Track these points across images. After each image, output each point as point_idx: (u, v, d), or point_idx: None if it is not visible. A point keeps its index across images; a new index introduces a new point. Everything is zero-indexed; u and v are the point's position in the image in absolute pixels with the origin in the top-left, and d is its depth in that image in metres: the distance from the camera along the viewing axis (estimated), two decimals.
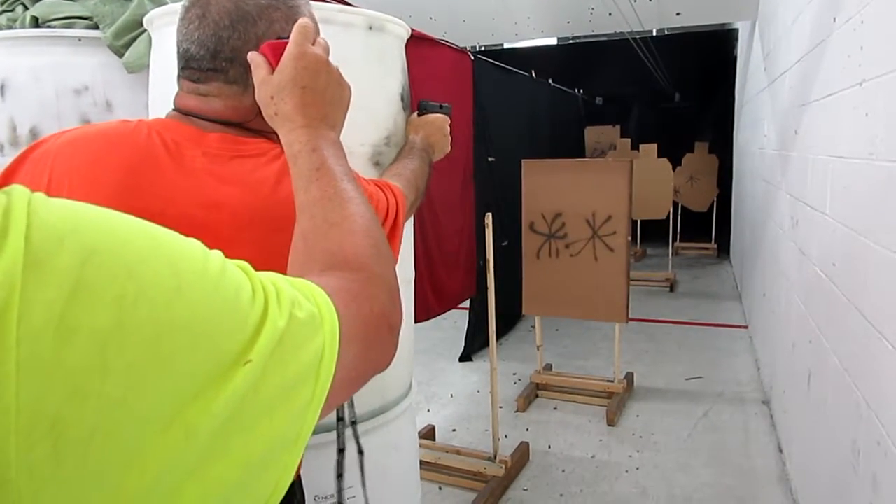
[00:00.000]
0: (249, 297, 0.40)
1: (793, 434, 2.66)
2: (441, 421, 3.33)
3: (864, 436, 1.60)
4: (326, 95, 0.74)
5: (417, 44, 2.19)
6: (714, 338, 4.63)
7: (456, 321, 4.56)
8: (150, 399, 0.33)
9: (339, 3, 1.29)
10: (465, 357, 4.27)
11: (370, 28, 1.27)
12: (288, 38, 0.81)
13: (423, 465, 2.43)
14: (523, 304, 3.50)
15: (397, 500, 1.54)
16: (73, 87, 1.81)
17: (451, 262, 3.50)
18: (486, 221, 2.55)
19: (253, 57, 0.77)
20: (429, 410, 3.49)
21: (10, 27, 1.90)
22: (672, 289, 6.12)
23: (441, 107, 1.35)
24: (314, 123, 0.72)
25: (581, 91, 7.83)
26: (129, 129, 0.84)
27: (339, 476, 1.17)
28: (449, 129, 1.34)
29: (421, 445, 2.18)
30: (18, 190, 0.32)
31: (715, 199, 7.48)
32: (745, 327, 4.78)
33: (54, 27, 1.85)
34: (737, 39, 7.13)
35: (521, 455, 2.85)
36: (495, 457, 2.68)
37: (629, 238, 3.28)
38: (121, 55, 1.83)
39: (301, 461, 0.71)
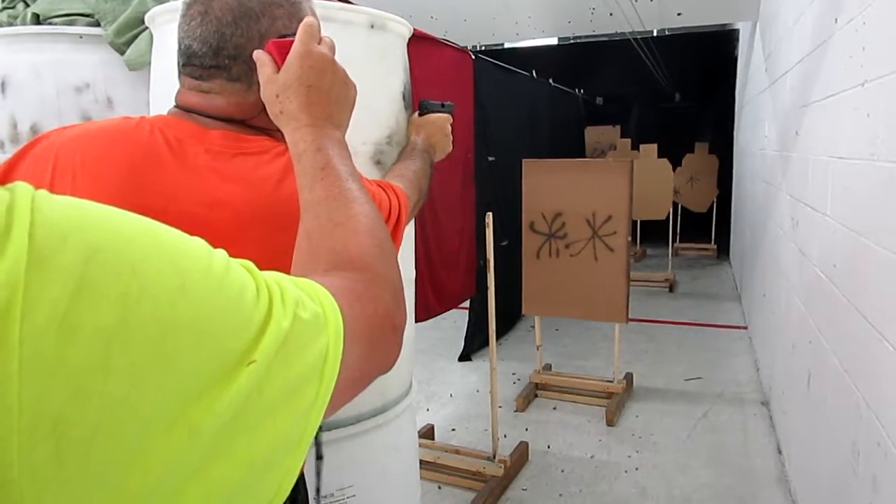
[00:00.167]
0: (254, 297, 0.40)
1: (792, 435, 2.66)
2: (440, 420, 3.32)
3: (865, 437, 1.60)
4: (332, 94, 0.74)
5: (418, 43, 2.18)
6: (713, 338, 4.63)
7: (455, 321, 4.56)
8: (153, 398, 0.33)
9: (342, 1, 1.29)
10: (465, 357, 4.27)
11: (372, 26, 1.27)
12: (292, 35, 0.80)
13: (423, 464, 2.43)
14: (523, 304, 3.50)
15: (397, 499, 1.54)
16: (74, 85, 1.81)
17: (451, 261, 3.50)
18: (486, 221, 2.55)
19: (258, 55, 0.77)
20: (428, 410, 3.49)
21: (11, 24, 1.89)
22: (672, 289, 6.12)
23: (443, 105, 1.34)
24: (319, 122, 0.72)
25: (581, 91, 7.83)
26: (131, 125, 0.84)
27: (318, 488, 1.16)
28: (450, 128, 1.33)
29: (420, 445, 2.17)
30: (22, 187, 0.32)
31: (715, 199, 7.48)
32: (745, 328, 4.78)
33: (55, 24, 1.85)
34: (737, 40, 7.13)
35: (521, 455, 2.85)
36: (494, 456, 2.68)
37: (629, 238, 3.28)
38: (122, 52, 1.83)
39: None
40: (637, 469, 2.81)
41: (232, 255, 0.42)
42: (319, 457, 1.17)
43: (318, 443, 1.17)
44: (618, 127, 7.86)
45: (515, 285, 3.52)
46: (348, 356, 0.46)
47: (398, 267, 0.64)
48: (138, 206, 0.38)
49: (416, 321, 2.27)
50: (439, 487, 2.69)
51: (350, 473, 1.39)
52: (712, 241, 7.75)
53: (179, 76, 0.86)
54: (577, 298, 3.36)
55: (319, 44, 0.75)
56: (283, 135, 0.86)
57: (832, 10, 2.15)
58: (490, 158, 4.06)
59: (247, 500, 0.38)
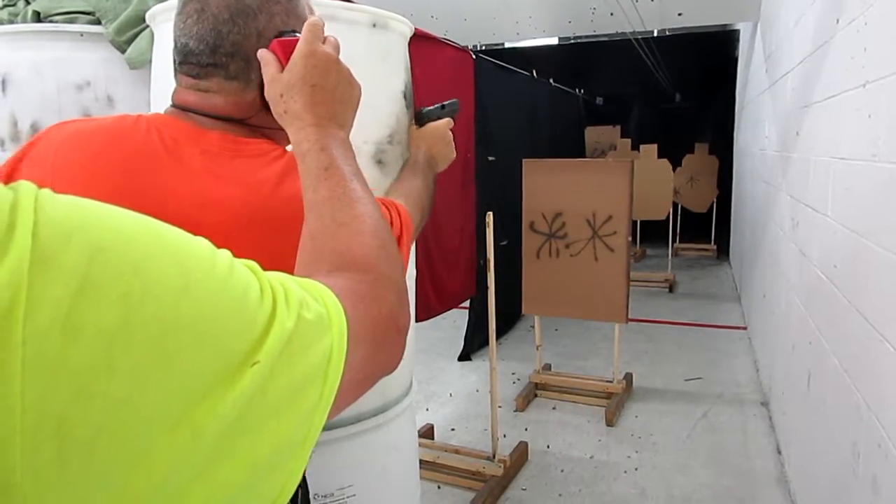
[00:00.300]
0: (258, 297, 0.39)
1: (792, 435, 2.66)
2: (440, 420, 3.32)
3: (865, 438, 1.60)
4: (336, 94, 0.74)
5: (419, 42, 2.18)
6: (713, 339, 4.63)
7: (455, 320, 4.56)
8: (156, 399, 0.32)
9: None
10: (465, 356, 4.27)
11: (374, 25, 1.26)
12: (291, 32, 0.80)
13: (422, 464, 2.43)
14: (523, 304, 3.50)
15: (397, 499, 1.53)
16: (74, 83, 1.80)
17: (451, 261, 3.50)
18: (486, 221, 2.55)
19: (263, 54, 0.76)
20: (427, 409, 3.49)
21: (11, 21, 1.89)
22: (671, 289, 6.12)
23: (443, 107, 1.27)
24: (323, 122, 0.71)
25: (582, 91, 7.83)
26: (128, 124, 0.83)
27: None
28: (451, 134, 1.27)
29: (420, 445, 2.17)
30: (25, 186, 0.32)
31: (715, 200, 7.48)
32: (745, 328, 4.78)
33: (56, 22, 1.85)
34: (738, 40, 7.12)
35: (520, 455, 2.85)
36: (494, 456, 2.68)
37: (629, 238, 3.28)
38: (123, 51, 1.83)
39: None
40: (636, 469, 2.81)
41: None
42: None
43: None
44: (618, 127, 7.87)
45: (515, 285, 3.52)
46: (352, 357, 0.46)
47: (402, 268, 0.64)
48: (135, 206, 0.37)
49: (417, 321, 2.27)
50: (439, 487, 2.69)
51: (350, 473, 1.39)
52: (712, 242, 7.75)
53: (176, 75, 0.85)
54: (576, 298, 3.36)
55: (324, 43, 0.75)
56: (281, 135, 0.85)
57: (834, 10, 2.15)
58: (490, 158, 4.06)
59: (250, 502, 0.38)
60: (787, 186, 3.09)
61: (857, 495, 1.65)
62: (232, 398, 0.35)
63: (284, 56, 0.74)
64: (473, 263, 3.79)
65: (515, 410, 3.42)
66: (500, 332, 4.37)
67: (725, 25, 6.57)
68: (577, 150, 7.39)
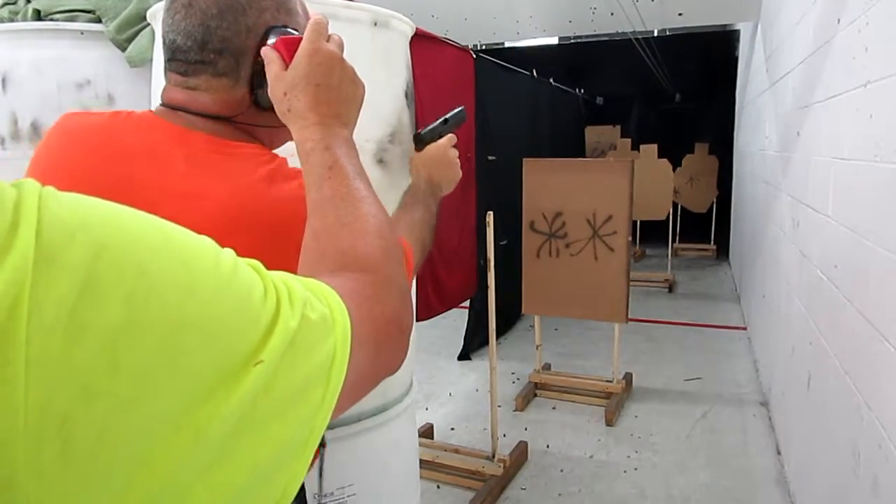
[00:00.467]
0: (261, 297, 0.39)
1: (791, 436, 2.66)
2: (439, 420, 3.32)
3: (866, 438, 1.60)
4: (340, 93, 0.73)
5: (420, 42, 2.18)
6: (713, 339, 4.63)
7: (454, 320, 4.56)
8: (160, 399, 0.32)
9: None
10: (464, 356, 4.26)
11: (375, 24, 1.26)
12: (283, 28, 0.79)
13: (422, 463, 2.42)
14: (523, 304, 3.50)
15: (397, 498, 1.53)
16: (75, 81, 1.80)
17: (452, 260, 3.50)
18: (487, 220, 2.55)
19: (266, 52, 0.75)
20: (427, 409, 3.49)
21: (12, 20, 1.89)
22: (671, 289, 6.12)
23: (446, 121, 1.16)
24: (327, 121, 0.70)
25: (582, 91, 7.83)
26: (119, 121, 0.83)
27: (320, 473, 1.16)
28: (455, 151, 1.17)
29: (419, 444, 2.17)
30: (29, 184, 0.32)
31: (714, 200, 7.48)
32: (744, 329, 4.78)
33: (57, 20, 1.85)
34: (738, 41, 7.12)
35: (520, 454, 2.85)
36: (494, 456, 2.68)
37: (629, 238, 3.28)
38: (123, 49, 1.82)
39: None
40: (636, 469, 2.80)
41: None
42: (322, 444, 1.17)
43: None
44: (618, 127, 7.87)
45: (515, 285, 3.52)
46: (355, 358, 0.46)
47: (405, 268, 0.63)
48: (126, 203, 0.37)
49: (418, 320, 2.26)
50: (438, 487, 2.69)
51: (350, 472, 1.39)
52: (712, 242, 7.75)
53: (165, 72, 0.84)
54: (576, 298, 3.36)
55: (328, 41, 0.74)
56: (269, 133, 0.85)
57: (835, 10, 2.15)
58: (490, 158, 4.06)
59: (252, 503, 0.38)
60: (788, 186, 3.09)
61: (857, 496, 1.65)
62: (235, 398, 0.35)
63: (288, 54, 0.73)
64: (474, 263, 3.79)
65: (515, 410, 3.42)
66: (500, 332, 4.37)
67: (726, 25, 6.57)
68: (577, 149, 7.39)
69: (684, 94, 11.20)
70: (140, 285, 0.32)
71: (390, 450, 1.50)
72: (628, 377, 3.69)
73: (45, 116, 1.78)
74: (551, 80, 6.09)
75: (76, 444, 0.29)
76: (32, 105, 1.78)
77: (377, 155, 1.28)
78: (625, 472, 2.79)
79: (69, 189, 0.34)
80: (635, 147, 7.24)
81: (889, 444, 1.43)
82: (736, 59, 7.31)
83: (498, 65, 4.28)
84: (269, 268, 0.56)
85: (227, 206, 0.75)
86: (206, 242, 0.39)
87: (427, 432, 3.08)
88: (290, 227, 0.73)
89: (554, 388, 3.60)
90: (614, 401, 3.36)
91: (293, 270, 0.56)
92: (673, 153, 6.64)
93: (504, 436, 3.03)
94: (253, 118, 0.82)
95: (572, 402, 3.52)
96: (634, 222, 6.54)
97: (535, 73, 5.34)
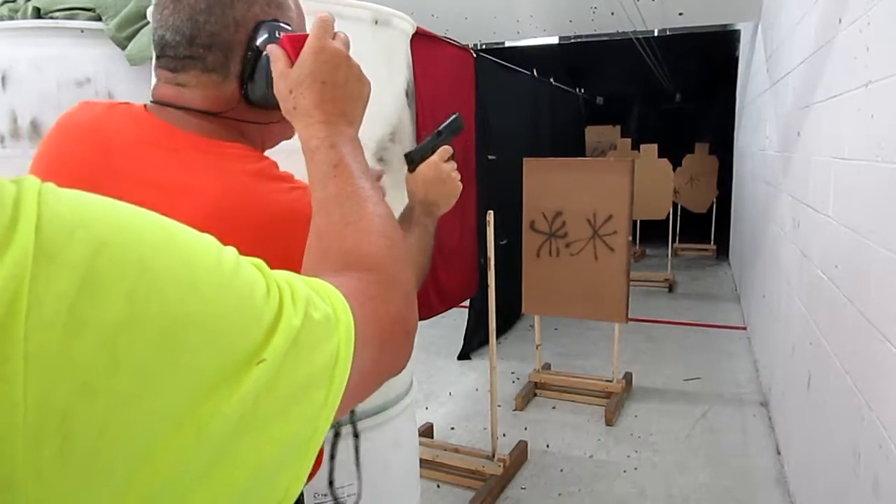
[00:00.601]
0: (264, 295, 0.39)
1: (791, 436, 2.66)
2: (439, 419, 3.32)
3: (866, 438, 1.60)
4: (346, 91, 0.72)
5: (420, 41, 2.17)
6: (713, 339, 4.63)
7: (454, 319, 4.55)
8: (161, 396, 0.32)
9: None
10: (464, 355, 4.26)
11: (376, 22, 1.26)
12: (273, 22, 0.79)
13: (422, 462, 2.42)
14: (523, 303, 3.49)
15: (398, 496, 1.53)
16: (75, 79, 1.80)
17: (452, 260, 3.49)
18: (487, 220, 2.55)
19: (272, 49, 0.74)
20: (427, 408, 3.49)
21: (11, 18, 1.88)
22: (671, 289, 6.12)
23: (438, 134, 1.09)
24: (332, 119, 0.70)
25: (582, 90, 7.82)
26: (109, 115, 0.83)
27: (332, 457, 1.15)
28: (451, 165, 1.09)
29: (419, 443, 2.17)
30: (29, 180, 0.32)
31: (714, 200, 7.48)
32: (744, 328, 4.78)
33: (57, 18, 1.84)
34: (739, 40, 7.12)
35: (520, 454, 2.85)
36: (493, 455, 2.68)
37: (630, 238, 3.28)
38: (123, 47, 1.82)
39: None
40: (636, 469, 2.80)
41: None
42: (356, 434, 1.17)
43: (353, 422, 1.16)
44: (618, 126, 7.86)
45: (515, 284, 3.52)
46: (359, 358, 0.45)
47: (410, 268, 0.63)
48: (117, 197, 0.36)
49: (419, 320, 2.26)
50: (438, 486, 2.69)
51: (350, 471, 1.38)
52: (712, 242, 7.75)
53: (155, 69, 0.84)
54: (577, 298, 3.36)
55: (334, 39, 0.73)
56: (259, 131, 0.84)
57: (836, 10, 2.15)
58: (491, 157, 4.05)
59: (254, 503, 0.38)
60: (788, 186, 3.09)
61: (858, 496, 1.65)
62: (237, 397, 0.35)
63: (294, 51, 0.73)
64: (474, 262, 3.78)
65: (515, 410, 3.42)
66: (500, 332, 4.37)
67: (726, 25, 6.56)
68: (577, 149, 7.39)
69: (685, 93, 11.20)
70: (141, 282, 0.32)
71: (390, 449, 1.50)
72: (628, 377, 3.69)
73: (45, 115, 1.77)
74: (552, 80, 6.08)
75: (76, 442, 0.29)
76: (32, 103, 1.78)
77: (377, 154, 1.28)
78: (624, 471, 2.79)
79: (61, 181, 0.34)
80: (635, 147, 7.23)
81: (890, 443, 1.43)
82: (736, 59, 7.31)
83: (498, 64, 4.28)
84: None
85: (212, 202, 0.74)
86: (208, 240, 0.39)
87: (427, 432, 3.08)
88: (275, 227, 0.73)
89: (554, 387, 3.60)
90: (614, 400, 3.36)
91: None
92: (673, 153, 6.64)
93: (504, 435, 3.03)
94: (243, 114, 0.82)
95: (572, 401, 3.52)
96: (634, 222, 6.55)
97: (535, 73, 5.34)
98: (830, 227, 2.08)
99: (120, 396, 0.30)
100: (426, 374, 3.96)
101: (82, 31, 1.83)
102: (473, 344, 4.29)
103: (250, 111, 0.82)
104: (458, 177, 1.10)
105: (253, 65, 0.79)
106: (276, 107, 0.82)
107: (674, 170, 6.29)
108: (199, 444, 0.33)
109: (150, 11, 1.22)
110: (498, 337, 3.81)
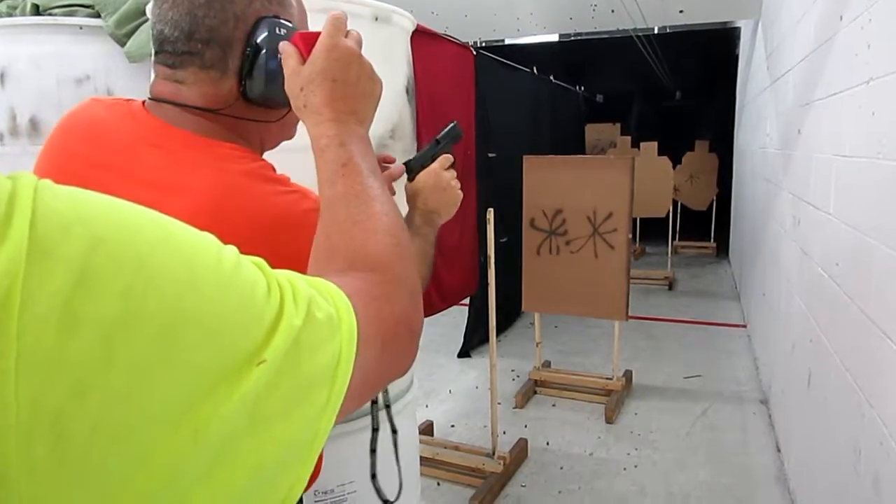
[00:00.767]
0: (265, 294, 0.38)
1: (791, 434, 2.66)
2: (439, 417, 3.32)
3: (866, 436, 1.60)
4: (357, 89, 0.71)
5: (420, 38, 2.17)
6: (713, 337, 4.63)
7: (454, 317, 4.55)
8: (157, 395, 0.31)
9: None
10: (464, 353, 4.26)
11: (376, 19, 1.26)
12: (273, 18, 0.78)
13: (422, 460, 2.43)
14: (523, 301, 3.49)
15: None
16: (74, 76, 1.79)
17: (452, 258, 3.49)
18: (487, 217, 2.54)
19: (284, 47, 0.73)
20: (427, 406, 3.49)
21: (10, 14, 1.88)
22: (671, 287, 6.12)
23: (437, 142, 1.07)
24: (343, 118, 0.69)
25: (582, 88, 7.81)
26: (109, 112, 0.82)
27: (373, 451, 1.16)
28: (451, 173, 1.08)
29: (419, 441, 2.17)
30: (25, 176, 0.31)
31: (715, 198, 7.48)
32: (744, 326, 4.78)
33: (55, 15, 1.84)
34: (739, 38, 7.11)
35: (520, 451, 2.85)
36: (494, 453, 2.68)
37: (630, 236, 3.27)
38: (122, 44, 1.82)
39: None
40: (636, 466, 2.80)
41: None
42: (394, 430, 1.18)
43: (390, 417, 1.17)
44: (618, 124, 7.86)
45: (515, 282, 3.52)
46: (362, 359, 0.45)
47: (416, 269, 0.62)
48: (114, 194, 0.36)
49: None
50: (438, 484, 2.69)
51: (351, 469, 1.38)
52: (712, 240, 7.75)
53: (153, 65, 0.83)
54: (577, 295, 3.35)
55: (346, 37, 0.72)
56: (256, 129, 0.83)
57: (837, 7, 2.14)
58: (491, 155, 4.05)
59: None
60: (789, 184, 3.08)
61: (858, 493, 1.64)
62: (237, 398, 0.34)
63: (306, 49, 0.72)
64: (474, 260, 3.78)
65: (515, 407, 3.42)
66: (500, 329, 4.37)
67: (726, 23, 6.55)
68: (577, 147, 7.38)
69: (685, 91, 11.19)
70: (138, 279, 0.32)
71: (391, 447, 1.50)
72: (628, 374, 3.69)
73: (44, 112, 1.77)
74: (552, 78, 6.08)
75: (70, 440, 0.29)
76: (31, 100, 1.77)
77: (377, 151, 1.28)
78: (624, 469, 2.79)
79: (63, 180, 0.34)
80: (635, 144, 7.22)
81: (890, 441, 1.42)
82: (737, 57, 7.30)
83: (498, 62, 4.27)
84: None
85: (206, 201, 0.74)
86: (208, 238, 0.39)
87: (427, 429, 3.08)
88: (270, 229, 0.72)
89: (554, 385, 3.60)
90: (614, 398, 3.36)
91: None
92: (673, 151, 6.64)
93: (504, 433, 3.03)
94: (242, 112, 0.81)
95: (572, 399, 3.52)
96: (634, 220, 6.54)
97: (535, 71, 5.33)
98: (831, 224, 2.08)
99: (114, 393, 0.30)
100: (426, 371, 3.96)
101: (81, 28, 1.82)
102: (473, 342, 4.29)
103: (249, 109, 0.81)
104: (459, 185, 1.08)
105: (252, 61, 0.78)
106: (275, 105, 0.81)
107: (674, 167, 6.29)
108: (198, 444, 0.33)
109: (149, 7, 1.21)
110: (498, 335, 3.81)
